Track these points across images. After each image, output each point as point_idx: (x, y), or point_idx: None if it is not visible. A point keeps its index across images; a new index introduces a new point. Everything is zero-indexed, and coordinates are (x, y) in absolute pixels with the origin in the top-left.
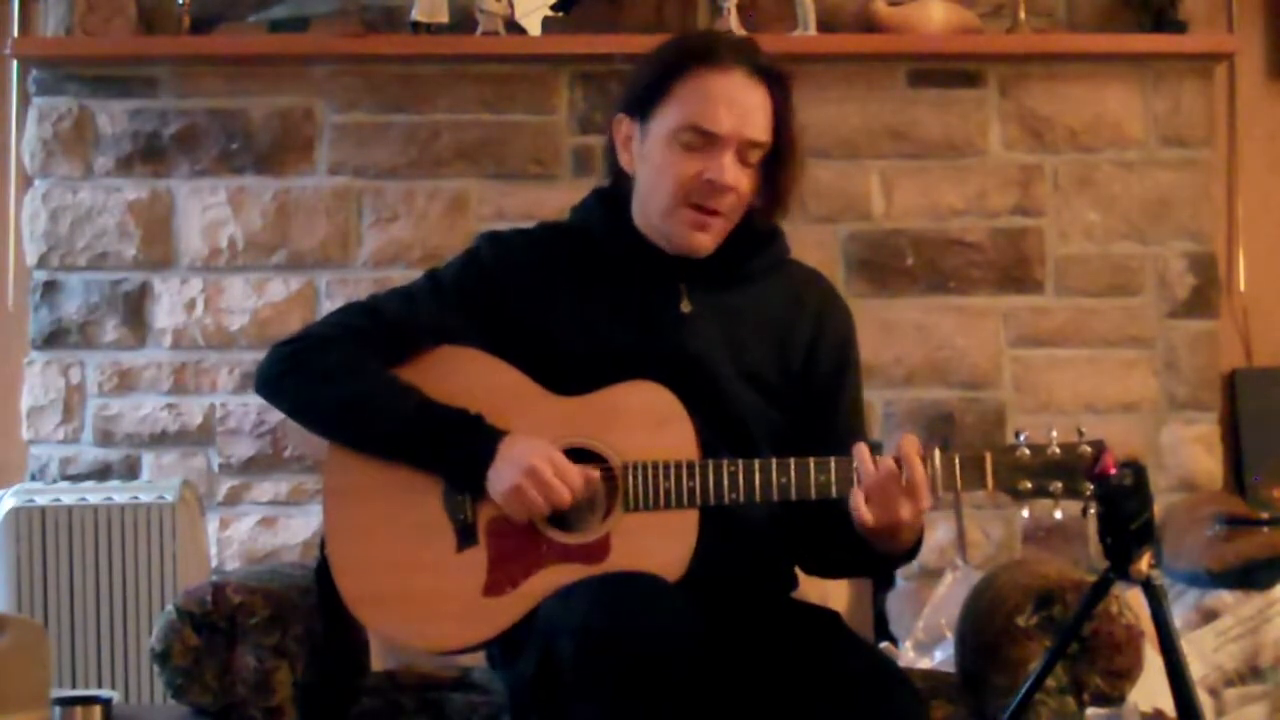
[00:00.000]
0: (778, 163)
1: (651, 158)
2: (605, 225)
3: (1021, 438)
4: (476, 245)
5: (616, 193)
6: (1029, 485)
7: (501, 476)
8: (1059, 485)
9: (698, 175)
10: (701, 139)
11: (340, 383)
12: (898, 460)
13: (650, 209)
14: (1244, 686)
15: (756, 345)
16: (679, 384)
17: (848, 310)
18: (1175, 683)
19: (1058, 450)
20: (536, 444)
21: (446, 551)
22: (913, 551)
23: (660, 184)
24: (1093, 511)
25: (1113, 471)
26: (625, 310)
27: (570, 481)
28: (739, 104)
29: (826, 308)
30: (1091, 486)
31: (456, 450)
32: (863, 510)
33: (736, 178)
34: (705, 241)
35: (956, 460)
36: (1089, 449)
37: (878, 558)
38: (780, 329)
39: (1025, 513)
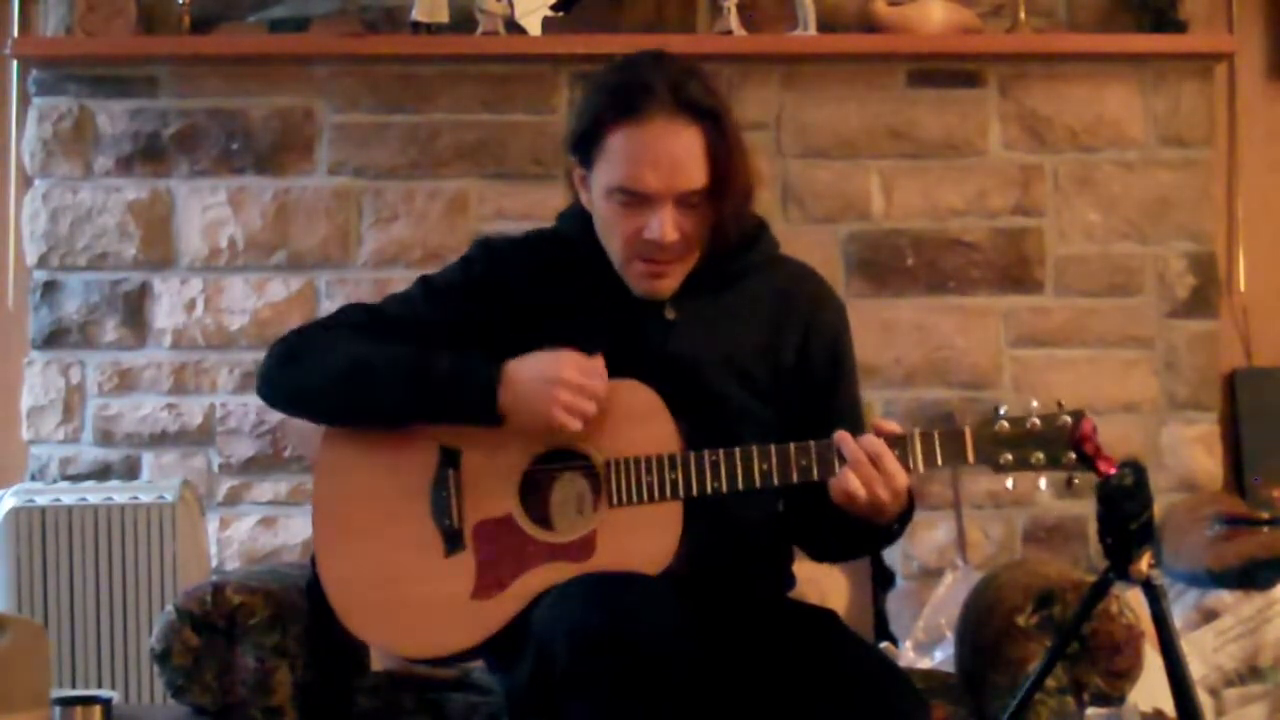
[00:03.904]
0: (717, 196)
1: (596, 210)
2: (587, 238)
3: (1001, 411)
4: (471, 253)
5: None
6: (1010, 457)
7: (531, 404)
8: (1040, 455)
9: (637, 233)
10: (634, 198)
11: (334, 359)
12: (878, 433)
13: (610, 254)
14: (1244, 686)
15: (745, 344)
16: (667, 389)
17: (841, 305)
18: (1175, 683)
19: (1037, 421)
20: (550, 356)
21: (434, 558)
22: (905, 516)
23: (608, 239)
24: (1077, 481)
25: (1094, 437)
26: (612, 318)
27: (599, 375)
28: (664, 158)
29: (817, 304)
30: (1073, 455)
31: (460, 391)
32: (854, 486)
33: (677, 227)
34: (665, 286)
35: (937, 436)
36: (1068, 418)
37: (871, 532)
38: (770, 327)
39: (1009, 483)
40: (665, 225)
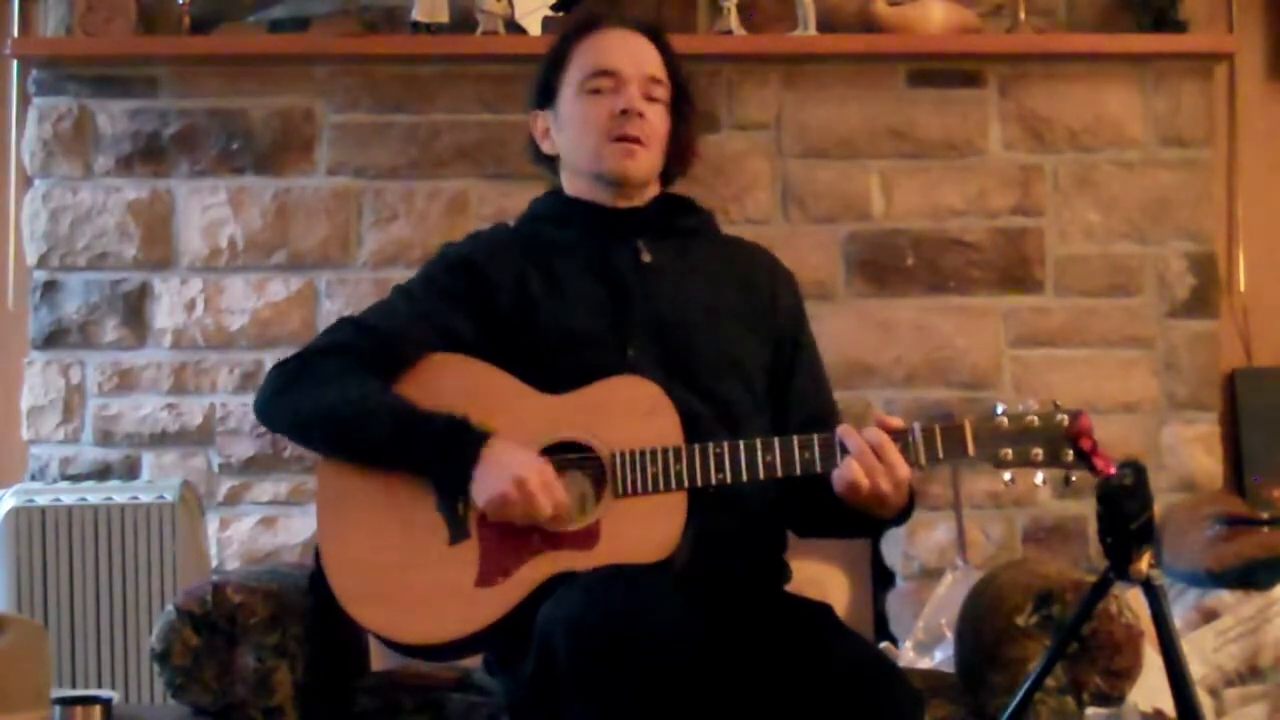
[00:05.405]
0: (677, 114)
1: (568, 121)
2: (554, 209)
3: (999, 409)
4: (441, 253)
5: (552, 189)
6: (1009, 453)
7: (488, 484)
8: (1039, 452)
9: (610, 113)
10: (607, 80)
11: (327, 397)
12: (880, 427)
13: (580, 162)
14: (1244, 686)
15: (723, 288)
16: (658, 329)
17: (792, 272)
18: (1175, 683)
19: (1035, 419)
20: (523, 455)
21: (439, 546)
22: (907, 511)
23: (583, 134)
24: (1074, 479)
25: (1090, 433)
26: (593, 274)
27: (555, 495)
28: (630, 47)
29: (776, 266)
30: (1071, 451)
31: (441, 455)
32: (858, 476)
33: (645, 105)
34: (634, 167)
35: (938, 429)
36: (1065, 416)
37: (870, 522)
38: (740, 278)
39: (1008, 476)
40: (634, 97)
